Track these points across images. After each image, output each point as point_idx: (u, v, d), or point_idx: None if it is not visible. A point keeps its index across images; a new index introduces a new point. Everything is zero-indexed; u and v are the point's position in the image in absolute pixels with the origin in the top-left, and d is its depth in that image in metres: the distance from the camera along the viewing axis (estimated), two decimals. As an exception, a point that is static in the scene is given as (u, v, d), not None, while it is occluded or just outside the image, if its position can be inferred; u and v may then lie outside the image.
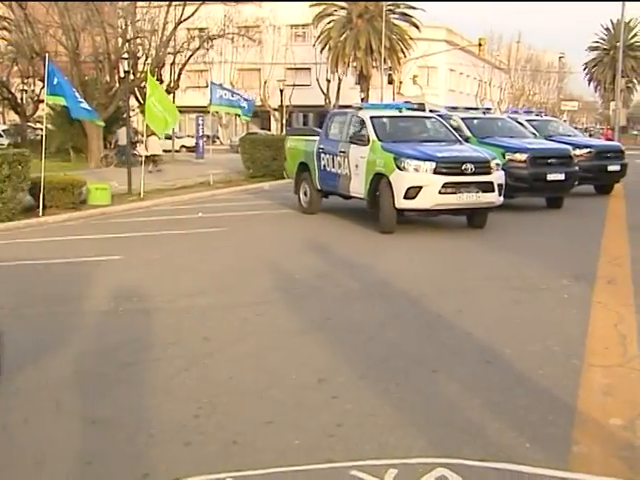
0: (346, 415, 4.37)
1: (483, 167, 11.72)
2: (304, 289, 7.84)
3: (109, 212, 15.10)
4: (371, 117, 12.91)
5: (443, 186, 11.25)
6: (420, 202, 11.37)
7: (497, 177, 11.83)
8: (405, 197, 11.33)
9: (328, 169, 13.60)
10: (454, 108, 17.76)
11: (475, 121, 16.55)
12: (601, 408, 4.46)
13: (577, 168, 15.48)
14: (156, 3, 30.92)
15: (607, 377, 5.00)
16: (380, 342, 5.89)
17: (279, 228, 12.84)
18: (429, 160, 11.39)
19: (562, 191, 15.36)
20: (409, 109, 14.31)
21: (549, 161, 15.26)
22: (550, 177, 14.91)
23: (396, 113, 13.74)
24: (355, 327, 6.35)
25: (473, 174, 11.47)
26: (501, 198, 12.00)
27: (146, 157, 27.47)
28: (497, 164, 12.05)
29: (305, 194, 14.65)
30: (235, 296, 7.54)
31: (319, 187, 14.14)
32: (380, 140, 12.26)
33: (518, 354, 5.49)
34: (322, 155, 13.82)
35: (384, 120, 13.26)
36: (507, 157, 14.59)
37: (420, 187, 11.25)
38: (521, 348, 5.65)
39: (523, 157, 14.85)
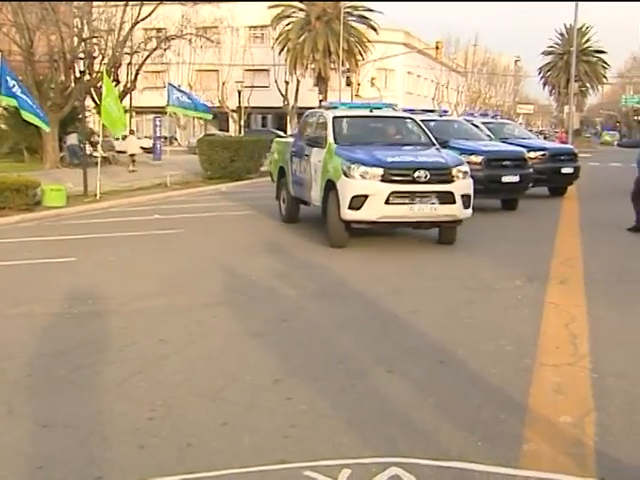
0: (300, 416, 4.38)
1: (441, 175, 10.17)
2: (260, 290, 7.82)
3: (64, 214, 14.90)
4: (334, 117, 11.61)
5: (391, 195, 9.91)
6: (365, 213, 10.03)
7: (460, 187, 10.23)
8: (350, 207, 10.04)
9: (298, 174, 12.25)
10: (411, 110, 17.81)
11: (432, 123, 16.62)
12: (552, 406, 4.54)
13: (531, 170, 15.76)
14: (112, 2, 30.58)
15: (558, 376, 5.09)
16: (336, 343, 5.91)
17: (236, 230, 12.73)
18: (376, 166, 10.04)
19: (517, 193, 15.60)
20: (379, 108, 12.84)
21: (504, 163, 15.46)
22: (505, 179, 15.13)
23: (365, 113, 12.39)
24: (311, 328, 6.37)
25: (428, 182, 10.00)
26: (468, 211, 10.47)
27: (130, 156, 27.64)
28: (464, 172, 10.41)
29: (284, 201, 13.22)
30: (190, 298, 7.49)
31: (293, 193, 12.67)
32: (337, 143, 10.97)
33: (471, 354, 5.56)
34: (294, 159, 12.49)
35: (348, 121, 11.92)
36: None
37: (366, 196, 9.95)
38: (474, 348, 5.72)
39: (478, 159, 14.99)
